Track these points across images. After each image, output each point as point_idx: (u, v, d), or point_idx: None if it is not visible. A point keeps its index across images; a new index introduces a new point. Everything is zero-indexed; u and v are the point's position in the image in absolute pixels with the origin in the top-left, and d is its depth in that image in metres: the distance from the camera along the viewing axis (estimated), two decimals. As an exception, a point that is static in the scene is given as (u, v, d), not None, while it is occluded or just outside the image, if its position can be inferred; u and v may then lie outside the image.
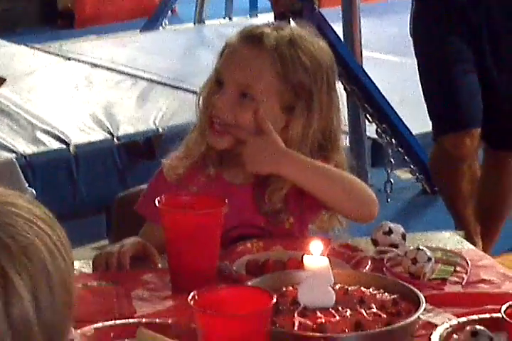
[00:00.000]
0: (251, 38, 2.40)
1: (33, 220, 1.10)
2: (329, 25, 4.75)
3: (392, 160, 5.10)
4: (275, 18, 4.11)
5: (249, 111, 2.33)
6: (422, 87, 4.02)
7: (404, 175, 5.22)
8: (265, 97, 2.35)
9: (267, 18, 6.12)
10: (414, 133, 5.09)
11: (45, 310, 1.08)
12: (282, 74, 2.36)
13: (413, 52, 4.05)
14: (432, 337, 1.89)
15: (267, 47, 2.36)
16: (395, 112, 5.03)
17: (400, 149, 5.08)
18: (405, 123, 5.06)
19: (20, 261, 1.06)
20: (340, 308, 1.94)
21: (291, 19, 4.15)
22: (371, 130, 5.14)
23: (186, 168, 2.43)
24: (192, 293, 1.77)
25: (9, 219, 1.08)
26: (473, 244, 3.32)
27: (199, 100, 2.45)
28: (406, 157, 5.10)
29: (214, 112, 2.37)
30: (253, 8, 8.02)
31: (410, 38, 4.04)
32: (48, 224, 1.12)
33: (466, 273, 2.21)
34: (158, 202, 2.15)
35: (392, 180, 5.01)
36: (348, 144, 4.97)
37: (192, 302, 1.75)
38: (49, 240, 1.10)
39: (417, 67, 4.03)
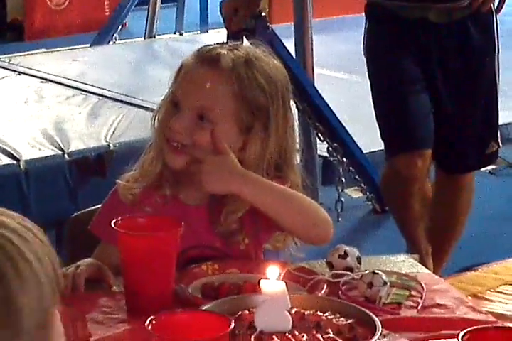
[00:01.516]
0: (207, 59, 2.40)
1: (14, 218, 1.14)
2: (282, 42, 4.77)
3: (343, 178, 5.11)
4: (228, 36, 4.10)
5: (206, 133, 2.33)
6: (374, 106, 4.03)
7: (354, 193, 5.24)
8: (223, 119, 2.35)
9: (217, 33, 6.15)
10: (365, 151, 5.11)
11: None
12: (239, 95, 2.36)
13: (365, 70, 4.06)
14: (387, 363, 1.91)
15: (223, 68, 2.36)
16: (346, 130, 5.04)
17: (350, 168, 5.10)
18: (356, 141, 5.07)
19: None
20: (296, 333, 1.94)
21: (244, 37, 4.16)
22: (322, 148, 5.15)
23: (142, 188, 2.43)
24: (149, 318, 1.78)
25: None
26: (425, 264, 3.34)
27: (154, 120, 2.45)
28: (357, 176, 5.12)
29: (171, 134, 2.37)
30: (203, 24, 8.02)
31: (363, 56, 4.05)
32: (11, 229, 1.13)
33: (421, 298, 2.21)
34: (114, 223, 2.14)
35: (342, 199, 5.02)
36: (299, 162, 5.01)
37: (149, 326, 1.75)
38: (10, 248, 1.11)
39: (369, 86, 4.04)
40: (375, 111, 4.01)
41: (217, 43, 2.51)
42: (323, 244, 2.42)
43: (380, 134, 4.03)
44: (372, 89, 4.01)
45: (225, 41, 2.81)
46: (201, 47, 2.47)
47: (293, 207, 2.36)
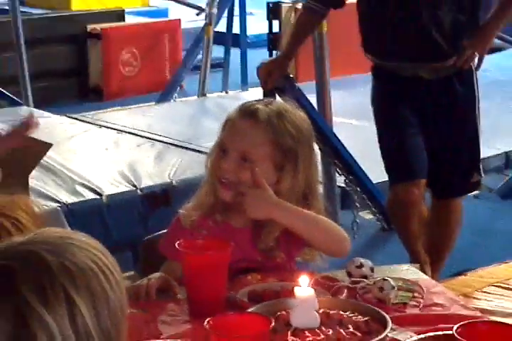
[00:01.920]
0: (248, 113, 2.41)
1: (89, 249, 1.10)
2: (306, 97, 4.77)
3: (357, 204, 5.11)
4: (264, 93, 4.11)
5: (248, 171, 2.34)
6: (380, 145, 4.02)
7: (367, 215, 5.22)
8: (261, 160, 2.36)
9: (255, 91, 6.15)
10: (374, 182, 5.09)
11: (103, 320, 1.06)
12: (274, 141, 2.37)
13: (372, 118, 4.06)
14: (397, 351, 1.90)
15: (261, 120, 2.38)
16: (359, 166, 5.03)
17: (363, 195, 5.09)
18: (367, 174, 5.06)
19: (79, 281, 1.05)
20: (323, 328, 1.94)
21: (276, 94, 4.17)
22: (340, 180, 5.14)
23: (198, 216, 2.44)
24: (207, 319, 1.78)
25: (70, 250, 1.08)
26: (424, 271, 3.33)
27: (207, 162, 2.47)
28: (368, 201, 5.10)
29: (222, 173, 2.39)
30: (244, 84, 8.05)
31: (371, 107, 4.05)
32: (99, 251, 1.11)
33: (422, 298, 2.20)
34: (178, 245, 2.16)
35: (357, 220, 5.02)
36: (322, 191, 5.02)
37: (207, 326, 1.76)
38: (102, 264, 1.09)
39: (375, 130, 4.04)
40: (380, 149, 4.01)
41: (255, 100, 2.53)
42: (342, 256, 2.42)
43: (385, 167, 4.02)
44: (377, 132, 4.01)
45: (261, 98, 2.83)
46: (243, 103, 2.48)
47: (318, 228, 2.36)
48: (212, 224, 2.43)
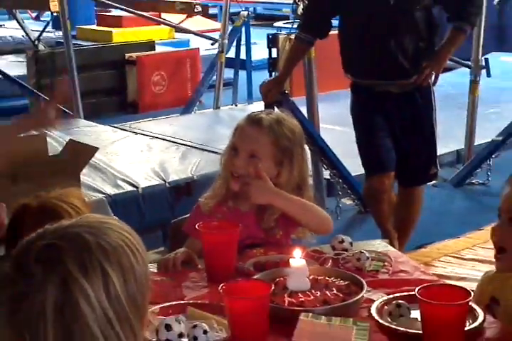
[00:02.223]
0: (254, 121, 2.43)
1: (120, 232, 1.09)
2: (298, 108, 4.76)
3: (339, 192, 5.10)
4: (265, 106, 4.11)
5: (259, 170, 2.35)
6: (357, 145, 4.00)
7: (347, 201, 5.20)
8: (265, 157, 2.38)
9: (258, 104, 6.15)
10: (353, 174, 5.07)
11: (129, 287, 1.06)
12: (274, 142, 2.39)
13: (351, 124, 4.05)
14: (371, 308, 1.89)
15: (264, 126, 2.40)
16: (341, 162, 5.02)
17: (344, 185, 5.08)
18: (347, 168, 5.05)
19: (112, 257, 1.05)
20: (313, 291, 1.95)
21: (275, 106, 4.17)
22: (326, 173, 5.13)
23: (214, 203, 2.44)
24: (221, 284, 1.78)
25: (106, 232, 1.08)
26: (393, 245, 3.32)
27: (221, 161, 2.47)
28: (348, 190, 5.09)
29: (234, 169, 2.39)
30: (250, 98, 8.03)
31: (350, 115, 4.04)
32: (128, 233, 1.11)
33: (391, 266, 2.20)
34: (199, 226, 2.16)
35: (340, 205, 5.01)
36: (312, 183, 5.03)
37: (221, 289, 1.76)
38: (130, 243, 1.09)
39: (354, 134, 4.03)
40: (358, 148, 3.99)
41: (259, 111, 2.54)
42: (327, 234, 2.43)
43: (361, 163, 4.01)
44: (356, 135, 4.00)
45: (263, 109, 2.83)
46: (249, 114, 2.50)
47: (308, 211, 2.37)
48: (226, 210, 2.44)
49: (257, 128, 2.40)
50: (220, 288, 1.76)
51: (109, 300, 1.03)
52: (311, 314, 1.80)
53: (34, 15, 12.41)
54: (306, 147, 2.60)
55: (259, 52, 9.01)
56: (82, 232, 1.06)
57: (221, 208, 2.44)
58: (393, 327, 1.79)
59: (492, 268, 2.05)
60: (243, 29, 7.99)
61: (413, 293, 1.73)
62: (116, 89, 8.31)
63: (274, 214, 2.38)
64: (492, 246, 2.01)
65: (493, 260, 2.00)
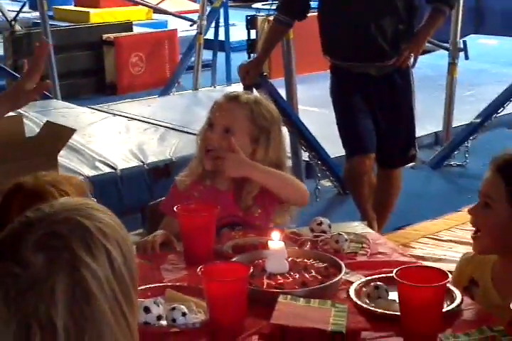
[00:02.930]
0: (231, 97, 2.44)
1: (106, 213, 1.10)
2: (277, 90, 4.75)
3: (319, 174, 5.10)
4: (244, 88, 4.09)
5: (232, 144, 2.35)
6: (338, 127, 3.98)
7: (326, 183, 5.20)
8: (240, 132, 2.38)
9: (237, 86, 6.13)
10: (332, 156, 5.07)
11: (128, 262, 1.07)
12: (251, 119, 2.39)
13: (331, 106, 4.04)
14: (349, 290, 1.89)
15: (241, 102, 2.41)
16: (320, 144, 5.02)
17: (323, 167, 5.08)
18: (326, 150, 5.05)
19: (110, 236, 1.06)
20: (292, 273, 1.95)
21: (254, 88, 4.16)
22: (305, 155, 5.13)
23: (190, 181, 2.43)
24: (200, 266, 1.77)
25: (95, 214, 1.08)
26: (371, 227, 3.33)
27: (198, 139, 2.46)
28: (327, 172, 5.09)
29: (208, 143, 2.38)
30: (228, 80, 8.01)
31: (330, 97, 4.03)
32: (108, 211, 1.11)
33: (369, 248, 2.20)
34: (177, 208, 2.15)
35: (319, 187, 5.00)
36: (291, 165, 5.03)
37: (200, 272, 1.75)
38: (115, 219, 1.10)
39: (334, 115, 4.01)
40: (338, 130, 3.97)
41: (236, 91, 2.53)
42: (304, 204, 2.44)
43: (342, 144, 3.99)
44: (336, 117, 3.98)
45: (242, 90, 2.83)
46: (227, 92, 2.49)
47: (285, 182, 2.38)
48: (202, 188, 2.43)
49: (234, 103, 2.40)
50: (198, 270, 1.75)
51: (115, 278, 1.05)
52: (289, 296, 1.79)
53: (10, -5, 12.27)
54: (284, 129, 2.59)
55: (238, 33, 8.98)
56: (76, 216, 1.06)
57: (198, 186, 2.43)
58: (371, 308, 1.80)
59: (470, 249, 2.07)
60: (222, 10, 7.95)
61: (391, 274, 1.73)
62: (94, 70, 8.26)
63: (252, 191, 2.38)
64: (470, 228, 2.03)
65: (471, 241, 2.02)
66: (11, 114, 3.17)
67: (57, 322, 1.00)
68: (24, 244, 1.03)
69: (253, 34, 7.72)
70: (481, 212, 1.95)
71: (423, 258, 3.57)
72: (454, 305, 1.79)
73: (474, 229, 1.99)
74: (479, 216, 1.96)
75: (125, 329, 1.05)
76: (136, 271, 1.11)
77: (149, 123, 5.89)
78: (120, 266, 1.06)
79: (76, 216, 1.06)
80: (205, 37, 7.69)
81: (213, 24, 7.85)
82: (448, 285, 1.76)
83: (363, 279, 1.95)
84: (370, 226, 3.12)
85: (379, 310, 1.79)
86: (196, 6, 9.44)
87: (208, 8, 7.74)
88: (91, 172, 4.48)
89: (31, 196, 1.82)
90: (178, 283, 1.96)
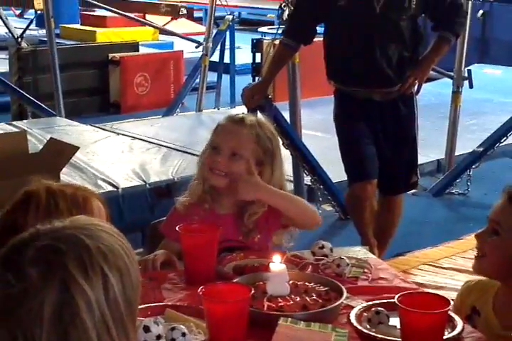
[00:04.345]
0: (236, 119, 2.43)
1: (113, 235, 1.09)
2: (281, 114, 4.77)
3: (320, 198, 5.10)
4: (247, 111, 4.10)
5: (237, 163, 2.35)
6: (341, 152, 3.97)
7: (328, 208, 5.20)
8: (247, 155, 2.37)
9: (241, 108, 6.14)
10: (334, 181, 5.08)
11: (127, 290, 1.05)
12: (256, 141, 2.39)
13: (334, 131, 4.04)
14: (350, 315, 1.88)
15: (247, 125, 2.40)
16: (322, 168, 5.03)
17: (325, 191, 5.08)
18: (328, 175, 5.05)
19: (111, 261, 1.04)
20: (292, 296, 1.94)
21: (258, 111, 4.17)
22: (307, 179, 5.13)
23: (189, 203, 2.42)
24: (201, 287, 1.77)
25: (101, 235, 1.07)
26: (373, 253, 3.31)
27: (199, 160, 2.46)
28: (329, 196, 5.09)
29: (215, 166, 2.37)
30: (232, 102, 8.04)
31: (333, 122, 4.03)
32: (120, 236, 1.10)
33: (370, 273, 2.20)
34: (179, 228, 2.15)
35: (320, 211, 4.97)
36: (293, 188, 5.04)
37: (201, 292, 1.75)
38: (124, 246, 1.08)
39: (337, 140, 4.01)
40: (342, 156, 3.97)
41: (239, 113, 2.54)
42: (315, 227, 2.43)
43: (345, 170, 3.99)
44: (339, 142, 3.98)
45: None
46: (230, 114, 2.49)
47: (295, 204, 2.38)
48: (202, 212, 2.41)
49: (239, 126, 2.40)
50: (199, 290, 1.75)
51: (108, 303, 1.02)
52: (289, 319, 1.79)
53: (18, 12, 12.34)
54: (287, 153, 2.59)
55: (243, 56, 9.03)
56: (79, 235, 1.04)
57: (197, 210, 2.42)
58: (372, 333, 1.79)
59: (471, 277, 2.06)
60: (228, 33, 8.00)
61: (393, 300, 1.73)
62: (99, 89, 8.29)
63: (255, 214, 2.37)
64: (471, 256, 2.02)
65: (471, 269, 2.01)
66: (14, 130, 3.19)
67: (39, 337, 0.98)
68: (25, 256, 1.02)
69: (258, 57, 7.77)
70: (488, 238, 1.95)
71: (423, 285, 3.55)
72: (455, 333, 1.78)
73: (478, 252, 1.99)
74: (486, 241, 1.96)
75: None
76: (137, 302, 1.08)
77: (152, 143, 5.90)
78: (116, 294, 1.03)
79: (80, 234, 1.05)
80: (211, 59, 7.73)
81: (219, 47, 7.89)
82: (449, 312, 1.75)
83: (364, 304, 1.94)
84: (372, 251, 3.11)
85: (379, 336, 1.78)
86: (202, 28, 9.50)
87: (214, 31, 7.79)
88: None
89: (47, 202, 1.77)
90: (178, 303, 1.96)
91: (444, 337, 1.72)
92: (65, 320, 0.99)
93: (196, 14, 13.23)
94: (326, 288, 1.98)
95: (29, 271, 1.00)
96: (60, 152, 3.67)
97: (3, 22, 8.23)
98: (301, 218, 2.38)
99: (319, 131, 6.30)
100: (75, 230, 1.05)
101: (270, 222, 2.39)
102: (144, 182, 4.73)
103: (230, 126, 2.41)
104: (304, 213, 2.38)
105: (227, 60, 8.15)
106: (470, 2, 5.61)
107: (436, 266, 4.01)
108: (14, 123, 6.39)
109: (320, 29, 3.99)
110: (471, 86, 5.87)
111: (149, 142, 5.94)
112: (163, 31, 9.83)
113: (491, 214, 1.97)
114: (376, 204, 4.01)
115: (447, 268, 3.97)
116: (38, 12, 9.84)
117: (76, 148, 3.84)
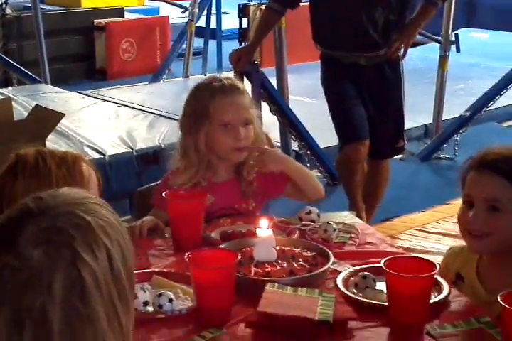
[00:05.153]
0: (231, 89, 2.37)
1: (105, 207, 1.07)
2: (268, 79, 4.74)
3: (308, 164, 5.07)
4: (235, 75, 4.07)
5: (250, 131, 2.36)
6: (331, 115, 3.95)
7: (315, 173, 5.18)
8: (253, 120, 2.38)
9: (228, 74, 6.10)
10: (321, 146, 5.07)
11: (127, 262, 1.05)
12: (253, 104, 2.42)
13: (322, 96, 4.00)
14: (337, 279, 1.89)
15: (242, 90, 2.40)
16: (310, 134, 5.01)
17: (312, 157, 5.07)
18: (316, 140, 5.04)
19: (111, 235, 1.03)
20: (279, 261, 1.94)
21: (244, 77, 4.15)
22: (294, 145, 5.12)
23: (184, 182, 2.35)
24: (187, 253, 1.76)
25: (97, 209, 1.04)
26: (360, 217, 3.31)
27: (199, 140, 2.36)
28: (316, 162, 5.09)
29: (240, 143, 2.34)
30: (219, 68, 7.99)
31: (321, 86, 4.01)
32: (109, 206, 1.08)
33: (357, 238, 2.20)
34: (165, 194, 2.14)
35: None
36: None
37: (187, 258, 1.74)
38: (116, 217, 1.07)
39: (325, 106, 3.98)
40: (332, 118, 3.94)
41: (211, 77, 2.49)
42: (320, 199, 2.47)
43: (336, 131, 3.95)
44: (328, 105, 3.95)
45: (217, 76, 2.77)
46: (207, 84, 2.43)
47: (310, 176, 2.45)
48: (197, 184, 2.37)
49: (238, 94, 2.37)
50: (186, 257, 1.74)
51: (113, 278, 1.02)
52: (276, 284, 1.78)
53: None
54: (274, 118, 2.59)
55: (230, 21, 8.95)
56: (77, 212, 1.03)
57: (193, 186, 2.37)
58: (359, 298, 1.79)
59: (457, 242, 2.05)
60: (214, -2, 7.92)
61: (379, 264, 1.72)
62: (84, 55, 8.22)
63: (251, 182, 2.38)
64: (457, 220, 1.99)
65: (458, 234, 1.97)
66: (-1, 97, 3.16)
67: (51, 319, 0.96)
68: (23, 236, 0.99)
69: (245, 22, 7.69)
70: (489, 217, 1.86)
71: (410, 249, 3.57)
72: (441, 296, 1.79)
73: (476, 232, 1.87)
74: (487, 221, 1.85)
75: (118, 334, 1.02)
76: (133, 269, 1.08)
77: (139, 109, 5.86)
78: (119, 266, 1.03)
79: (77, 210, 1.03)
80: (197, 24, 7.67)
81: (205, 12, 7.82)
82: (436, 276, 1.75)
83: (351, 269, 1.94)
84: (359, 216, 3.11)
85: (366, 300, 1.78)
86: (188, -6, 9.41)
87: (200, -4, 7.71)
88: (79, 158, 4.45)
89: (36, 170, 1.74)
90: (165, 269, 1.95)
91: (431, 301, 1.72)
92: (76, 299, 0.98)
93: (182, -21, 13.10)
94: (313, 253, 1.98)
95: (32, 253, 0.98)
96: (46, 119, 3.63)
97: (-13, -12, 8.13)
98: (310, 190, 2.41)
99: (306, 97, 6.27)
100: (70, 207, 1.04)
101: (270, 191, 2.41)
102: (131, 149, 4.70)
103: (229, 99, 2.35)
104: (314, 186, 2.42)
105: (213, 25, 8.09)
106: (457, -35, 5.56)
107: (424, 231, 4.03)
108: (-1, 90, 6.33)
109: (306, -7, 3.95)
110: (458, 50, 5.84)
111: (136, 109, 5.89)
112: (148, -4, 9.74)
113: (479, 193, 1.87)
114: (366, 167, 4.00)
115: (434, 232, 3.99)
116: (22, -23, 9.71)
117: (62, 115, 3.79)
